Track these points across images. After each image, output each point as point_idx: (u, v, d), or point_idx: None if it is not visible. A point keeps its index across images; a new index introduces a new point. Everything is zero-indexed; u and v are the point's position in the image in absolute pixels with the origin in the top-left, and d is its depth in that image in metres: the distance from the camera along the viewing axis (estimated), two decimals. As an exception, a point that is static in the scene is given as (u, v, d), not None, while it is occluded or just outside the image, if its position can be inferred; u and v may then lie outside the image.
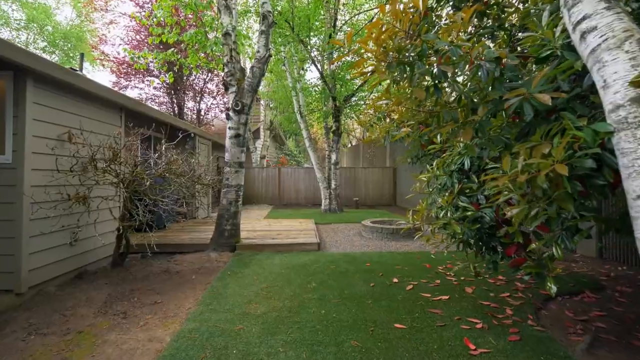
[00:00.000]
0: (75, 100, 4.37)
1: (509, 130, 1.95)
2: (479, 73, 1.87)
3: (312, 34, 9.52)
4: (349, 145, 25.15)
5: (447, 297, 3.62)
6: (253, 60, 5.51)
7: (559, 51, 1.80)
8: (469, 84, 2.00)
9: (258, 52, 5.46)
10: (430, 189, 3.07)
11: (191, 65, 6.42)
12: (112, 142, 4.06)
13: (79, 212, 4.20)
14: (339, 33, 10.44)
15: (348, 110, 11.79)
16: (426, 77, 2.49)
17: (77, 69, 6.30)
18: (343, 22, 11.21)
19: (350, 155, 22.88)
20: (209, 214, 9.39)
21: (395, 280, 4.20)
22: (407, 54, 1.87)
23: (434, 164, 2.98)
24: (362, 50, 2.31)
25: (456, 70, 1.97)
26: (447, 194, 2.72)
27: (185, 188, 4.37)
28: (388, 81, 2.62)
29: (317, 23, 9.58)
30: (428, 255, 5.45)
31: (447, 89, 2.23)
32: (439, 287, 3.97)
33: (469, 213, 2.58)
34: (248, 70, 5.58)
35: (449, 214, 2.69)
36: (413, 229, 3.40)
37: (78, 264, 4.42)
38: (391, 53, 1.88)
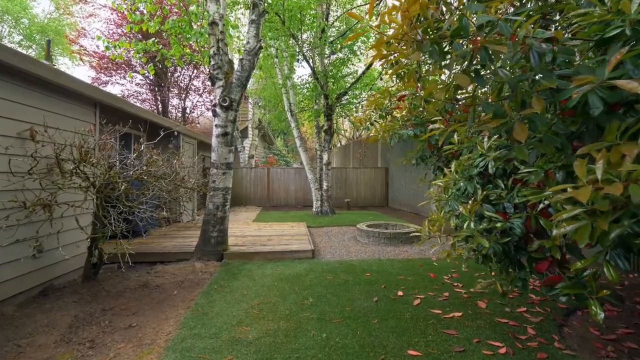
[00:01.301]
0: (40, 93, 3.84)
1: (562, 127, 1.59)
2: (530, 57, 1.50)
3: (303, 28, 9.09)
4: (338, 144, 24.81)
5: (460, 314, 3.27)
6: (242, 52, 5.05)
7: (629, 30, 1.45)
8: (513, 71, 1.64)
9: (248, 42, 5.01)
10: (447, 196, 2.70)
11: (174, 58, 5.91)
12: (81, 140, 3.55)
13: (43, 221, 3.68)
14: (331, 29, 10.04)
15: (339, 109, 11.41)
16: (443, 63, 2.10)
17: (47, 60, 5.72)
18: (335, 17, 10.81)
19: (340, 155, 22.54)
20: (194, 217, 8.87)
21: (400, 293, 3.83)
22: (439, 32, 1.50)
23: (452, 166, 2.61)
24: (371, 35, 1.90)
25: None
26: (470, 201, 2.36)
27: (167, 192, 3.90)
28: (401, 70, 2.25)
29: (308, 17, 9.15)
30: (430, 263, 5.11)
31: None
32: (449, 301, 3.63)
33: (499, 224, 2.22)
34: (237, 63, 5.12)
35: (472, 225, 2.32)
36: (418, 238, 3.03)
37: (43, 279, 3.90)
38: (419, 30, 1.50)
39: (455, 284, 4.14)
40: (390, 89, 3.91)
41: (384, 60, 1.68)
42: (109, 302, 3.56)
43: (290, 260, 5.18)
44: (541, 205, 2.05)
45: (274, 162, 20.50)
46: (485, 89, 2.41)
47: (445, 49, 1.65)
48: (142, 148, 4.27)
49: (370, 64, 9.72)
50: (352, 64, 10.71)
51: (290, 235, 6.65)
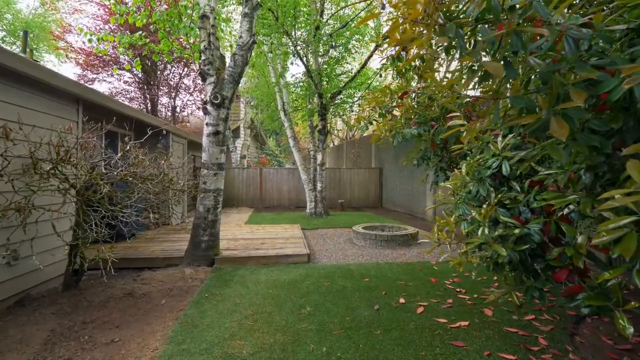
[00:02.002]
0: (16, 88, 3.56)
1: (599, 124, 1.41)
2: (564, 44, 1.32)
3: (297, 25, 8.87)
4: (331, 145, 24.63)
5: (466, 324, 3.09)
6: (235, 47, 4.82)
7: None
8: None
9: (240, 37, 4.77)
10: (456, 199, 2.53)
11: (163, 54, 5.63)
12: (59, 138, 3.27)
13: (16, 226, 3.39)
14: (325, 27, 9.83)
15: (334, 109, 11.21)
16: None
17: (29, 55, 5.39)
18: (328, 15, 10.61)
19: (333, 156, 22.37)
20: (184, 219, 8.57)
21: (402, 300, 3.65)
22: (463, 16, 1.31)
23: (463, 167, 2.43)
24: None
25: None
26: (484, 205, 2.18)
27: (154, 195, 3.64)
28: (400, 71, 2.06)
29: (302, 13, 8.94)
30: (430, 267, 4.95)
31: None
32: (454, 308, 3.45)
33: (517, 231, 2.04)
34: (229, 59, 4.88)
35: (486, 231, 2.15)
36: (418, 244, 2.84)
37: (19, 288, 3.62)
38: (441, 13, 1.31)
39: (458, 290, 3.97)
40: (390, 85, 3.73)
41: (398, 47, 1.48)
42: (90, 313, 3.29)
43: (285, 265, 4.96)
44: (566, 210, 1.88)
45: (267, 163, 20.23)
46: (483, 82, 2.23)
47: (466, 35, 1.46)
48: (128, 147, 4.00)
49: (367, 61, 9.56)
50: (347, 63, 10.52)
51: (284, 238, 6.42)
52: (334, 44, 8.43)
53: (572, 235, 1.92)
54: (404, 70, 3.87)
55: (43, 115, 3.91)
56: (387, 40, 1.44)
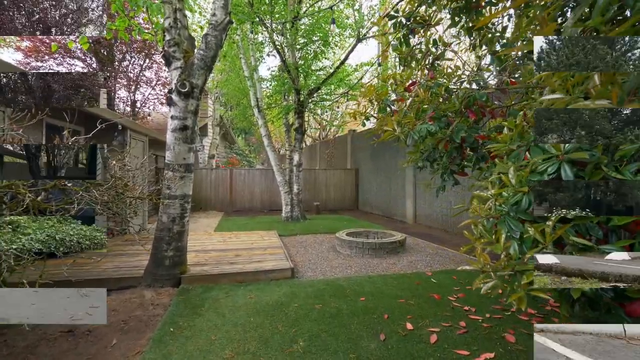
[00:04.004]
0: None
1: None
2: None
3: (273, 15, 8.18)
4: (304, 145, 24.02)
5: (492, 356, 2.62)
6: (207, 27, 4.08)
7: None
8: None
9: (214, 15, 4.04)
10: (495, 211, 2.02)
11: (117, 32, 4.72)
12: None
13: None
14: (303, 18, 9.22)
15: (313, 106, 10.62)
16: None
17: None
18: (306, 7, 10.01)
19: (306, 156, 21.78)
20: (144, 226, 7.60)
21: (410, 326, 3.12)
22: None
23: (511, 172, 1.92)
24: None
25: None
26: (549, 222, 1.68)
27: (102, 205, 2.85)
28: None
29: (279, 3, 8.27)
30: (426, 279, 4.50)
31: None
32: (470, 334, 2.97)
33: (598, 257, 1.56)
34: (199, 40, 4.14)
35: (551, 256, 1.65)
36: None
37: None
38: None
39: (467, 308, 3.52)
40: (395, 75, 3.20)
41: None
42: (10, 365, 2.46)
43: (265, 282, 4.28)
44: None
45: (236, 163, 19.26)
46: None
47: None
48: (70, 143, 3.15)
49: (349, 54, 9.05)
50: (326, 58, 9.96)
51: (262, 248, 5.73)
52: (333, 19, 7.83)
53: (674, 262, 1.47)
54: (408, 58, 3.37)
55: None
56: None
